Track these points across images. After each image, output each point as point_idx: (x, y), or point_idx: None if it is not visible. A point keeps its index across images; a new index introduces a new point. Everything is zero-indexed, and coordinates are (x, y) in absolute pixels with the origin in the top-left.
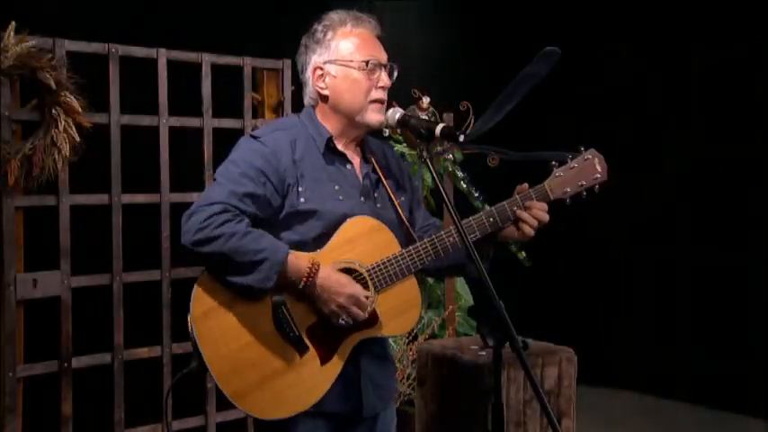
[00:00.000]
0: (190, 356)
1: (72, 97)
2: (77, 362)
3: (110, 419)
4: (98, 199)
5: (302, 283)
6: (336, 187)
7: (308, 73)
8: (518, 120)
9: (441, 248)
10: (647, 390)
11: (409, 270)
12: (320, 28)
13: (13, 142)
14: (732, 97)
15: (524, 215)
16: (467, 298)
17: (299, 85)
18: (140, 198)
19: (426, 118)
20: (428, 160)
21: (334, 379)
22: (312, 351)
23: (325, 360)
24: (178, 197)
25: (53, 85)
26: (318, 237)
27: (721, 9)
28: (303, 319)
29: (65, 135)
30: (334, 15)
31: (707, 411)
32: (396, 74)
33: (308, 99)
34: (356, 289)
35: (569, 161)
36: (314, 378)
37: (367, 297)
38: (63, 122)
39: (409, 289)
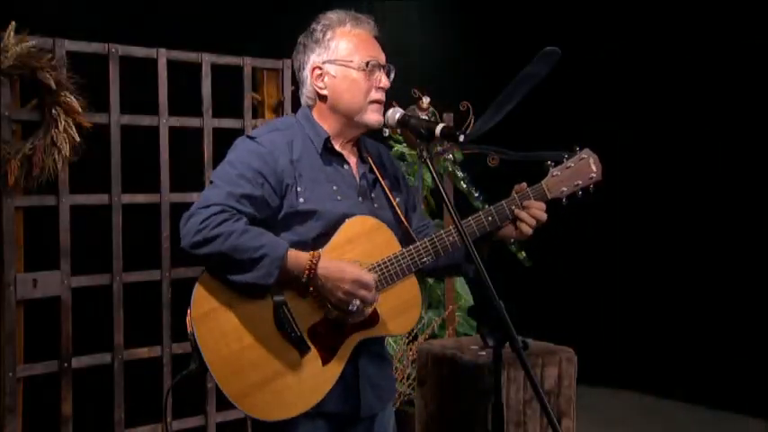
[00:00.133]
0: (190, 357)
1: (72, 97)
2: (77, 362)
3: (110, 419)
4: (98, 199)
5: (305, 276)
6: (334, 187)
7: (307, 72)
8: (518, 120)
9: (441, 248)
10: (647, 390)
11: (409, 269)
12: (319, 28)
13: (13, 142)
14: (732, 97)
15: (523, 214)
16: (467, 298)
17: (297, 84)
18: (140, 198)
19: (426, 118)
20: (428, 160)
21: (336, 379)
22: (313, 351)
23: (326, 360)
24: (178, 197)
25: (53, 85)
26: (318, 237)
27: (721, 9)
28: (304, 320)
29: (65, 135)
30: (333, 15)
31: (707, 411)
32: (392, 75)
33: (305, 99)
34: (359, 272)
35: (565, 161)
36: (316, 378)
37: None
38: (63, 122)
39: (409, 288)
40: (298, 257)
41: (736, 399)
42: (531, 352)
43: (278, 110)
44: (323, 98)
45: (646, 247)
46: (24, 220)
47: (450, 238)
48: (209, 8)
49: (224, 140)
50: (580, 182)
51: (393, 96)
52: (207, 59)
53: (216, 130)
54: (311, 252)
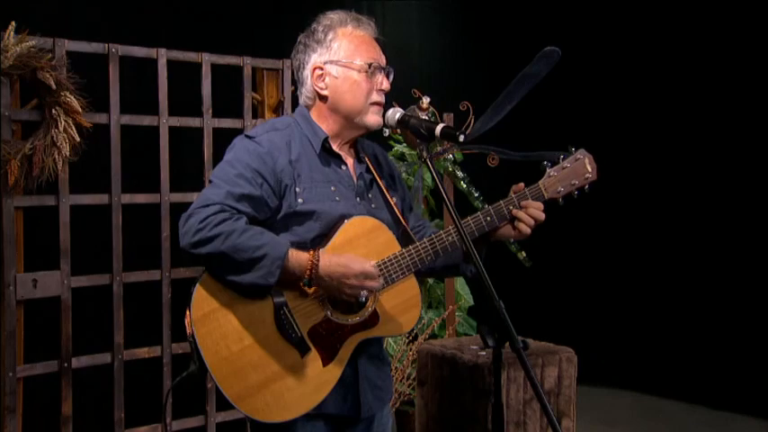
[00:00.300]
0: (189, 358)
1: (72, 97)
2: (77, 362)
3: (110, 419)
4: (98, 199)
5: (306, 276)
6: (333, 188)
7: (307, 72)
8: (518, 120)
9: (440, 248)
10: (647, 390)
11: (409, 269)
12: (321, 28)
13: (13, 142)
14: (731, 97)
15: (521, 214)
16: (467, 298)
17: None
18: (140, 198)
19: (426, 118)
20: (428, 160)
21: (337, 380)
22: (314, 352)
23: (327, 361)
24: (178, 197)
25: (53, 85)
26: (316, 237)
27: (721, 9)
28: (305, 321)
29: (65, 135)
30: (334, 15)
31: (707, 411)
32: (392, 77)
33: (303, 98)
34: (362, 264)
35: (561, 161)
36: (316, 379)
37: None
38: (63, 122)
39: (409, 288)
40: (299, 257)
41: (736, 399)
42: (531, 352)
43: (278, 110)
44: (323, 98)
45: (646, 247)
46: (24, 220)
47: (450, 239)
48: (209, 8)
49: (224, 140)
50: (576, 182)
51: (393, 96)
52: (207, 59)
53: (216, 130)
54: (311, 251)
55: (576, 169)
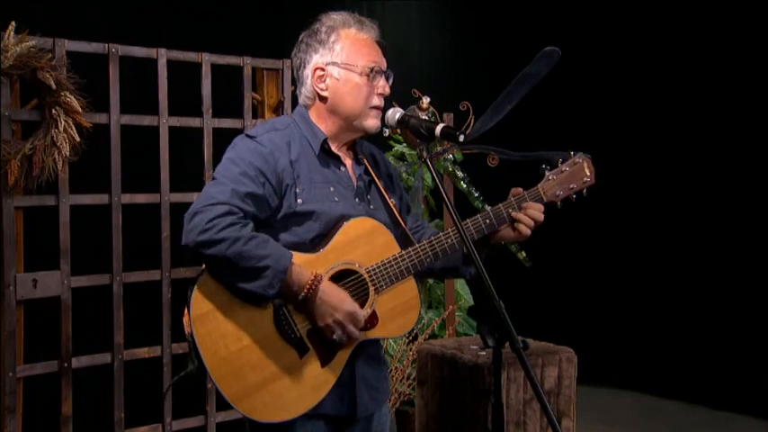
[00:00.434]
0: (188, 357)
1: (72, 97)
2: (77, 362)
3: (110, 419)
4: (98, 199)
5: (302, 295)
6: (332, 189)
7: (308, 71)
8: (518, 120)
9: (440, 250)
10: (647, 390)
11: (409, 271)
12: (324, 29)
13: (13, 142)
14: (731, 98)
15: (521, 216)
16: (467, 298)
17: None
18: (140, 198)
19: (426, 118)
20: (428, 160)
21: (335, 381)
22: (313, 353)
23: (325, 361)
24: (178, 197)
25: (53, 85)
26: (316, 238)
27: (720, 9)
28: (304, 321)
29: (65, 135)
30: (337, 16)
31: (707, 411)
32: (391, 80)
33: (303, 98)
34: (355, 307)
35: (560, 165)
36: (315, 380)
37: (364, 316)
38: (63, 122)
39: (409, 290)
40: (300, 274)
41: (736, 399)
42: (531, 352)
43: (278, 110)
44: (323, 99)
45: (646, 247)
46: (24, 220)
47: (449, 241)
48: (209, 8)
49: (224, 140)
50: (575, 186)
51: (393, 96)
52: (207, 59)
53: (216, 130)
54: (313, 271)
55: (574, 173)
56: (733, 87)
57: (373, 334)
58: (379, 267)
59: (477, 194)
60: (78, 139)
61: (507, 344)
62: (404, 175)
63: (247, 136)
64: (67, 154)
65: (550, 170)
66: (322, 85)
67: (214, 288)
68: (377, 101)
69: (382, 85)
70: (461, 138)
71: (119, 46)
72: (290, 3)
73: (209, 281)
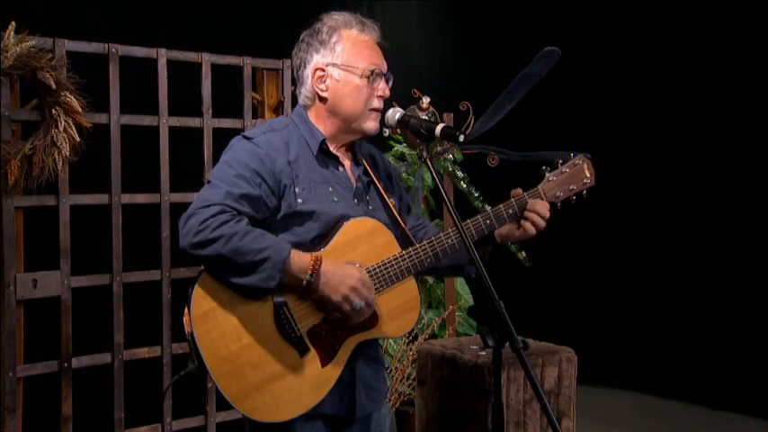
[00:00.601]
0: (188, 357)
1: (72, 97)
2: (77, 362)
3: (110, 419)
4: (98, 199)
5: (306, 279)
6: (330, 189)
7: (308, 71)
8: (518, 120)
9: (440, 250)
10: (647, 390)
11: (409, 271)
12: (325, 29)
13: (13, 142)
14: (730, 99)
15: (528, 214)
16: (467, 298)
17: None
18: (140, 198)
19: (426, 118)
20: (428, 160)
21: (335, 380)
22: (313, 352)
23: (325, 361)
24: (178, 197)
25: (53, 85)
26: (316, 238)
27: (720, 10)
28: (305, 321)
29: (65, 135)
30: (339, 17)
31: (707, 411)
32: (391, 82)
33: (303, 98)
34: (362, 273)
35: (560, 166)
36: (315, 379)
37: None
38: (63, 122)
39: (409, 290)
40: (300, 260)
41: (736, 399)
42: (531, 352)
43: (278, 110)
44: (323, 100)
45: (646, 247)
46: (24, 220)
47: (449, 241)
48: (209, 8)
49: (224, 140)
50: (574, 187)
51: (393, 96)
52: (207, 59)
53: (216, 130)
54: (312, 254)
55: (574, 174)
56: (733, 87)
57: (373, 334)
58: (379, 267)
59: (477, 194)
60: (78, 139)
61: (507, 344)
62: (404, 175)
63: (244, 137)
64: (67, 154)
65: (550, 171)
66: (322, 86)
67: (214, 287)
68: (376, 103)
69: (382, 88)
70: (461, 138)
71: (119, 46)
72: (290, 3)
73: (209, 280)
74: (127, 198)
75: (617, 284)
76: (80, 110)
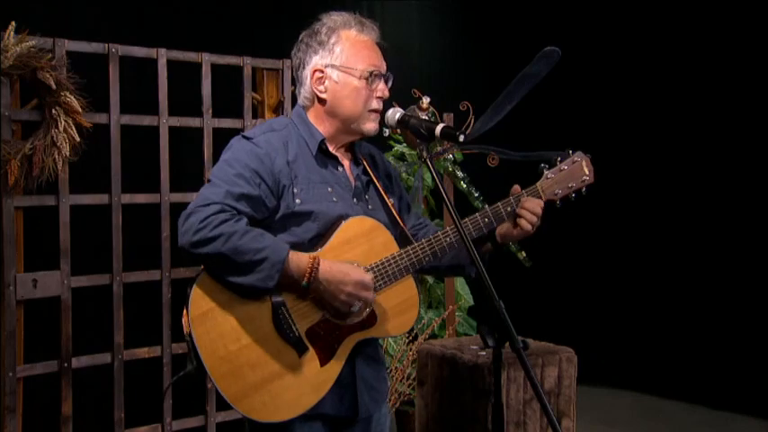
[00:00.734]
0: (186, 357)
1: (72, 97)
2: (77, 362)
3: (110, 419)
4: (98, 199)
5: (305, 280)
6: (329, 189)
7: (307, 72)
8: (518, 120)
9: (438, 249)
10: (647, 390)
11: (408, 270)
12: (324, 29)
13: (13, 142)
14: (730, 99)
15: (520, 210)
16: (467, 298)
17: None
18: (140, 198)
19: (426, 118)
20: (428, 160)
21: (334, 380)
22: (312, 352)
23: (324, 361)
24: (178, 197)
25: (53, 85)
26: (314, 238)
27: (720, 9)
28: (303, 320)
29: (65, 135)
30: (338, 17)
31: (707, 411)
32: (390, 83)
33: (302, 99)
34: (361, 273)
35: (558, 164)
36: (314, 379)
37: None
38: (63, 122)
39: (408, 289)
40: (299, 260)
41: (736, 399)
42: (531, 352)
43: (278, 110)
44: (322, 101)
45: (645, 247)
46: (24, 220)
47: (448, 240)
48: (209, 8)
49: (224, 140)
50: (573, 184)
51: (393, 96)
52: (207, 59)
53: (216, 130)
54: (311, 255)
55: (573, 172)
56: (732, 87)
57: (372, 333)
58: (378, 266)
59: (477, 194)
60: (78, 139)
61: (507, 344)
62: (404, 175)
63: (244, 137)
64: (67, 154)
65: (549, 169)
66: (321, 87)
67: (213, 287)
68: (375, 104)
69: (381, 89)
70: (461, 138)
71: (119, 46)
72: (290, 3)
73: (208, 280)
74: (127, 198)
75: (617, 284)
76: (80, 110)
